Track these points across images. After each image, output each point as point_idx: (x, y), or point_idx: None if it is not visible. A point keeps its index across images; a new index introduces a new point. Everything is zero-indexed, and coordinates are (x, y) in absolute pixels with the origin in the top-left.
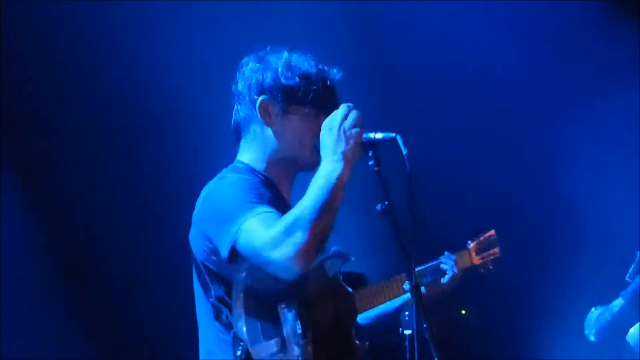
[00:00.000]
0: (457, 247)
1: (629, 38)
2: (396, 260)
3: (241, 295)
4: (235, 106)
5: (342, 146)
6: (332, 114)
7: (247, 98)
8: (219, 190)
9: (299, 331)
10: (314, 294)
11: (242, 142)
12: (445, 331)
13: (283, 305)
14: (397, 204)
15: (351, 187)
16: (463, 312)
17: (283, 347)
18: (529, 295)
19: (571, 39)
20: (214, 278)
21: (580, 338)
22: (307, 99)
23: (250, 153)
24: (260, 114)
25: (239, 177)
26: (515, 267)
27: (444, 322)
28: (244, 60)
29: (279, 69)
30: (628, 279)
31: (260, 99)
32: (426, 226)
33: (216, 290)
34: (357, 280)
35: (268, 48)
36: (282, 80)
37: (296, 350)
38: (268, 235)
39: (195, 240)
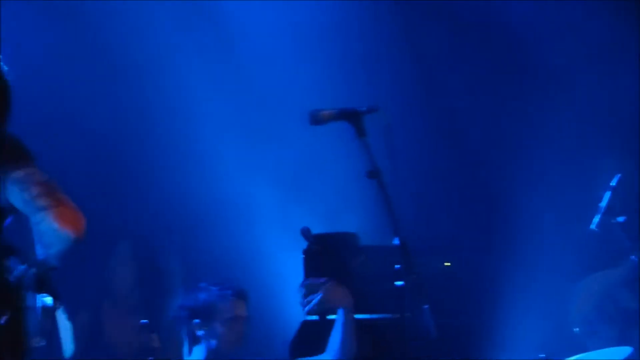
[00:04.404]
0: None
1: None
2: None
3: None
4: None
5: None
6: None
7: None
8: None
9: None
10: None
11: None
12: (430, 280)
13: None
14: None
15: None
16: (447, 263)
17: None
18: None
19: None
20: None
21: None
22: None
23: None
24: None
25: None
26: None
27: (430, 273)
28: None
29: None
30: (594, 228)
31: None
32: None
33: None
34: (350, 240)
35: None
36: None
37: None
38: None
39: None
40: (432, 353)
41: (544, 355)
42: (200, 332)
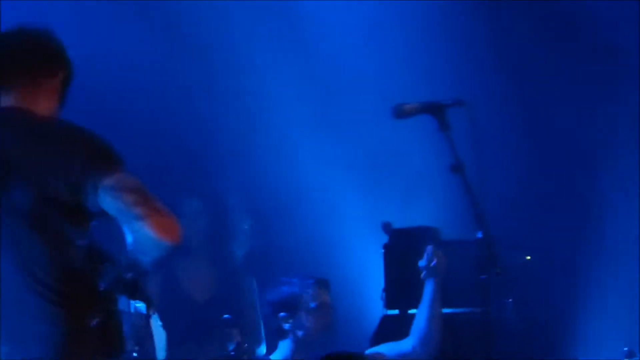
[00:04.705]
0: None
1: None
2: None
3: None
4: None
5: None
6: None
7: None
8: None
9: None
10: None
11: None
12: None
13: None
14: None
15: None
16: (528, 257)
17: None
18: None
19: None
20: None
21: None
22: None
23: None
24: None
25: None
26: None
27: (511, 267)
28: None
29: None
30: None
31: None
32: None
33: None
34: (430, 234)
35: None
36: None
37: None
38: None
39: None
40: (515, 347)
41: (627, 349)
42: (286, 325)
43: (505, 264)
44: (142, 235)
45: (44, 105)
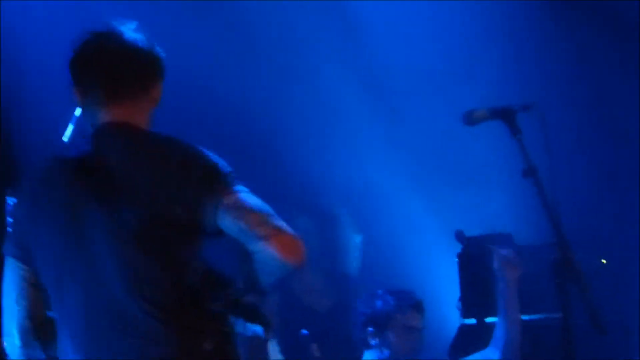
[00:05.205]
0: None
1: None
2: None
3: None
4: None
5: None
6: None
7: None
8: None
9: None
10: None
11: None
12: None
13: None
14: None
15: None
16: (604, 261)
17: None
18: None
19: None
20: None
21: None
22: None
23: None
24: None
25: None
26: None
27: (587, 270)
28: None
29: None
30: None
31: None
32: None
33: None
34: (503, 241)
35: None
36: None
37: None
38: None
39: None
40: (594, 352)
41: None
42: (373, 342)
43: (581, 268)
44: (265, 256)
45: (142, 119)
